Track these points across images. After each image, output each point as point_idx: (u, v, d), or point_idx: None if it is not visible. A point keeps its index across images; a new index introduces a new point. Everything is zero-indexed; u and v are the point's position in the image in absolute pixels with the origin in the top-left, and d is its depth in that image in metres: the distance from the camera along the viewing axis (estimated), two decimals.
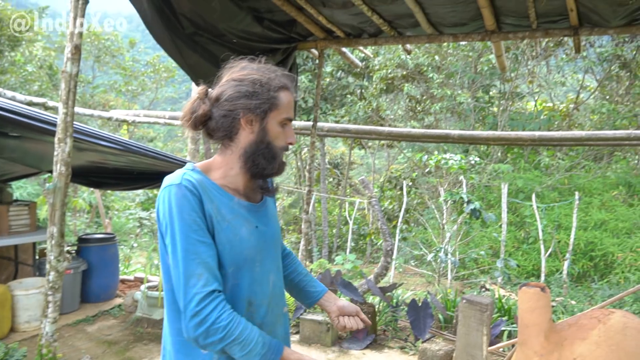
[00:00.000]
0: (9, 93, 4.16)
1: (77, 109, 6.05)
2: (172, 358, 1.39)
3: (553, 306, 5.75)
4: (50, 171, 5.23)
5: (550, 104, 11.75)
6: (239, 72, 1.38)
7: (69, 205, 9.76)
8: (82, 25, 2.59)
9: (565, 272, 7.10)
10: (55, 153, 2.62)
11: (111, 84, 15.00)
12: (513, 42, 9.65)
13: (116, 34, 15.22)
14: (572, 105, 11.44)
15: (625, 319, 2.41)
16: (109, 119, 6.47)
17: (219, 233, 1.32)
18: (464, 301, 3.09)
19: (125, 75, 14.69)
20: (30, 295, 4.39)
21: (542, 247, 7.42)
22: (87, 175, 5.58)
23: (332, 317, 1.64)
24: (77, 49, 2.58)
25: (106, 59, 14.37)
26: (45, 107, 4.73)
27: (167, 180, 1.33)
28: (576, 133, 5.30)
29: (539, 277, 7.52)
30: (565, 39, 8.96)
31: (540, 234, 7.48)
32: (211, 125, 1.38)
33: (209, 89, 1.41)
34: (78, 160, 4.78)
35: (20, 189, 9.88)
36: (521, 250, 8.37)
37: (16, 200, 5.19)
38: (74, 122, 3.41)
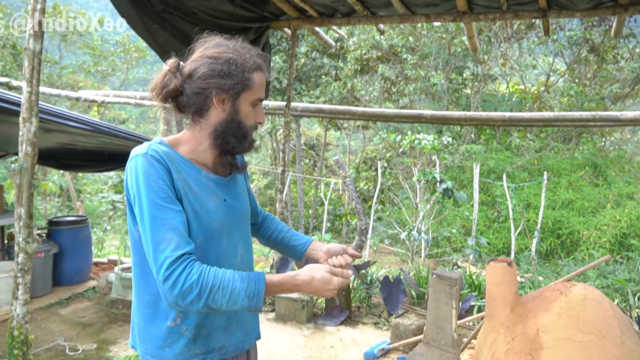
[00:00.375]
0: None
1: (44, 89, 5.90)
2: (140, 329, 1.41)
3: (522, 282, 5.94)
4: (17, 153, 5.12)
5: (522, 87, 11.95)
6: (213, 49, 1.36)
7: (39, 189, 9.55)
8: (43, 0, 2.51)
9: (533, 249, 7.32)
10: (21, 133, 2.56)
11: (80, 64, 14.57)
12: (486, 24, 9.74)
13: (83, 12, 14.75)
14: (542, 88, 11.66)
15: (585, 291, 2.52)
16: (77, 99, 6.31)
17: (186, 204, 1.32)
18: (434, 276, 3.18)
19: (94, 56, 14.28)
20: (0, 279, 4.32)
21: (512, 225, 7.62)
22: (56, 157, 5.47)
23: (322, 262, 1.63)
24: (39, 25, 2.50)
25: (73, 38, 13.92)
26: (9, 87, 4.59)
27: (134, 151, 1.33)
28: (544, 114, 5.42)
29: (509, 254, 7.74)
30: (537, 22, 9.08)
31: (511, 213, 7.67)
32: (182, 100, 1.37)
33: (181, 62, 1.39)
34: (46, 142, 4.67)
35: None
36: (492, 228, 8.58)
37: None
38: (41, 103, 3.32)
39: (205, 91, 1.34)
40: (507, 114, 5.48)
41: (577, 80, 11.29)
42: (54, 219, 5.48)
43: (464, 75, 11.62)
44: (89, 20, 14.62)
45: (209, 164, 1.44)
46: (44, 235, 5.29)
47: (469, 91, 11.20)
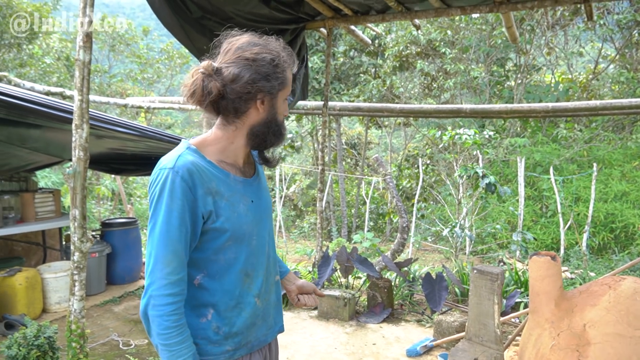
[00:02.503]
0: (28, 84, 4.30)
1: (94, 98, 6.20)
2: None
3: (572, 278, 5.74)
4: (72, 159, 5.42)
5: (569, 76, 11.51)
6: (249, 49, 1.32)
7: (93, 194, 10.03)
8: (91, 14, 2.66)
9: (584, 244, 7.06)
10: (73, 139, 2.73)
11: (127, 72, 15.17)
12: (528, 13, 9.45)
13: (130, 22, 15.34)
14: (591, 76, 11.19)
15: (635, 285, 2.44)
16: (125, 106, 6.60)
17: (219, 211, 1.34)
18: (475, 271, 3.14)
19: (140, 64, 14.84)
20: (59, 278, 4.59)
21: (560, 220, 7.37)
22: (107, 162, 5.74)
23: (292, 295, 1.70)
24: (88, 37, 2.66)
25: (121, 48, 14.50)
26: (63, 97, 4.86)
27: (163, 161, 1.32)
28: (590, 103, 5.21)
29: (558, 250, 7.49)
30: (582, 7, 8.73)
31: (559, 207, 7.42)
32: (222, 104, 1.34)
33: (213, 64, 1.34)
34: (98, 148, 4.92)
35: (45, 178, 10.17)
36: (539, 224, 8.33)
37: (41, 189, 5.37)
38: (92, 110, 3.51)
39: (251, 95, 1.32)
40: (551, 105, 5.30)
41: (628, 66, 10.76)
42: (107, 221, 5.76)
43: (506, 67, 11.30)
44: (134, 30, 15.21)
45: (239, 164, 1.45)
46: (98, 236, 5.56)
47: (512, 83, 10.89)
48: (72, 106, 3.24)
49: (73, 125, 2.73)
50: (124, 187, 12.06)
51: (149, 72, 14.75)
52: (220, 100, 1.33)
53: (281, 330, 1.63)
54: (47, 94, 4.53)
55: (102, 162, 5.74)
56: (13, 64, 11.33)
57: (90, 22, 2.69)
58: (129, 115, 13.73)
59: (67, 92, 4.89)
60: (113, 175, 9.55)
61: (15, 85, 3.97)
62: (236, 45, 1.34)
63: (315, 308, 4.76)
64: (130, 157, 5.49)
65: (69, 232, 5.55)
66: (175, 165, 1.29)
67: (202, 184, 1.31)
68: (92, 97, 5.87)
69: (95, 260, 5.04)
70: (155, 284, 1.27)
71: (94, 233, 5.60)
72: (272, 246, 1.56)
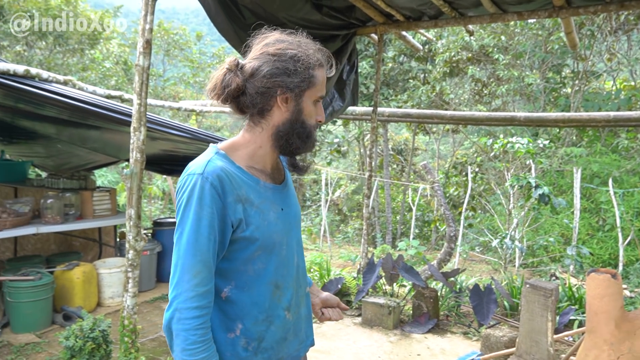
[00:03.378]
0: (90, 87, 4.51)
1: (150, 101, 6.43)
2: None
3: (631, 297, 5.44)
4: (128, 159, 5.64)
5: (632, 83, 10.93)
6: (274, 45, 1.29)
7: (145, 193, 10.41)
8: (152, 22, 2.77)
9: None
10: (131, 141, 2.83)
11: (180, 76, 15.69)
12: (589, 17, 9.06)
13: (184, 28, 15.87)
14: None
15: None
16: (178, 109, 6.82)
17: (249, 219, 1.29)
18: (528, 286, 3.03)
19: (193, 68, 15.31)
20: (113, 274, 4.78)
21: (619, 235, 7.00)
22: (160, 163, 5.93)
23: (316, 309, 1.63)
24: (148, 44, 2.76)
25: (175, 53, 15.04)
26: (122, 100, 5.08)
27: (192, 166, 1.28)
28: None
29: (616, 266, 7.11)
30: None
31: (618, 221, 7.05)
32: (243, 100, 1.30)
33: (240, 61, 1.31)
34: (152, 149, 5.10)
35: (102, 177, 10.66)
36: (596, 238, 7.94)
37: (99, 187, 5.62)
38: (148, 113, 3.64)
39: (270, 90, 1.27)
40: (612, 114, 5.04)
41: None
42: (158, 220, 5.95)
43: (563, 73, 10.87)
44: (188, 35, 15.72)
45: (268, 170, 1.39)
46: (149, 235, 5.75)
47: (568, 90, 10.46)
48: (130, 109, 3.38)
49: (131, 128, 2.84)
50: (174, 187, 12.44)
51: (201, 76, 15.19)
52: (241, 96, 1.30)
53: (312, 344, 1.57)
54: (108, 97, 4.74)
55: (155, 163, 5.93)
56: (76, 68, 11.95)
57: (151, 29, 2.79)
58: (181, 118, 14.16)
59: (125, 96, 5.11)
60: (164, 176, 9.88)
61: (79, 88, 4.18)
62: (264, 42, 1.32)
63: (360, 315, 4.73)
64: (181, 158, 5.65)
65: (123, 230, 5.78)
66: (205, 171, 1.24)
67: (231, 190, 1.26)
68: (148, 100, 6.09)
69: (146, 258, 5.21)
70: (182, 296, 1.21)
71: (146, 232, 5.80)
72: (301, 256, 1.49)
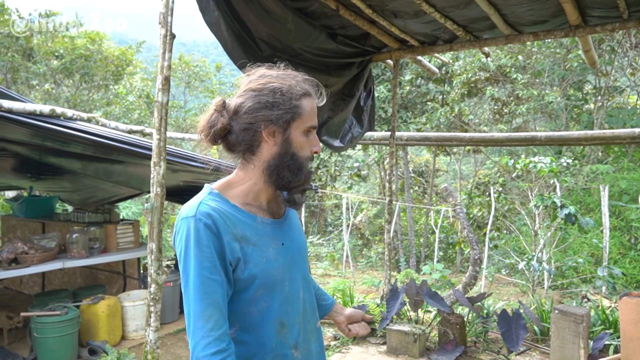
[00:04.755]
0: (113, 123, 4.64)
1: (170, 134, 6.56)
2: None
3: None
4: (150, 192, 5.74)
5: None
6: (257, 80, 1.30)
7: (168, 223, 10.53)
8: (170, 59, 2.84)
9: None
10: (152, 175, 2.88)
11: (201, 107, 16.01)
12: (607, 34, 8.97)
13: (204, 60, 16.27)
14: None
15: None
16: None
17: (246, 258, 1.27)
18: (557, 312, 2.93)
19: (213, 98, 15.62)
20: (137, 306, 4.81)
21: None
22: (181, 194, 6.02)
23: (342, 327, 1.62)
24: (166, 80, 2.83)
25: (195, 84, 15.38)
26: (143, 134, 5.20)
27: (184, 210, 1.27)
28: None
29: None
30: None
31: None
32: (231, 139, 1.31)
33: (226, 101, 1.33)
34: (173, 181, 5.18)
35: (126, 209, 10.82)
36: (628, 257, 7.68)
37: (122, 220, 5.71)
38: (168, 146, 3.71)
39: (253, 125, 1.27)
40: (637, 130, 4.92)
41: None
42: None
43: (584, 90, 10.72)
44: (208, 67, 16.09)
45: (264, 206, 1.38)
46: (172, 266, 5.79)
47: (591, 106, 10.30)
48: (151, 142, 3.45)
49: (152, 162, 2.89)
50: None
51: None
52: (228, 135, 1.30)
53: None
54: (129, 132, 4.87)
55: (177, 194, 6.02)
56: (100, 103, 12.32)
57: (169, 66, 2.87)
58: (203, 148, 14.37)
59: (147, 130, 5.23)
60: None
61: (102, 125, 4.30)
62: (248, 79, 1.33)
63: (384, 343, 4.63)
64: (201, 189, 5.73)
65: (146, 262, 5.83)
66: (197, 212, 1.23)
67: (226, 230, 1.24)
68: (169, 133, 6.22)
69: (169, 289, 5.24)
70: (200, 344, 1.17)
71: (169, 262, 5.84)
72: (308, 291, 1.46)
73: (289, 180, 1.32)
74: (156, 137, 2.89)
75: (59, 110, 3.61)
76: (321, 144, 4.11)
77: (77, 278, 5.46)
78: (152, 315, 2.91)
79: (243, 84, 1.33)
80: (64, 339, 4.07)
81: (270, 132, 1.29)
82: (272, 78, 1.30)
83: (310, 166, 1.38)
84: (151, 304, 2.90)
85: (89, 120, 4.03)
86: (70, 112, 3.74)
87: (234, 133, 1.29)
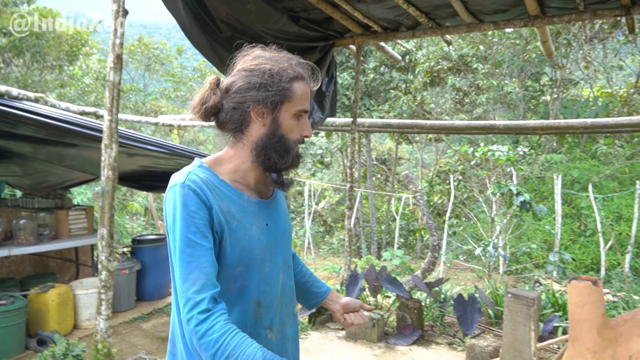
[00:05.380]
0: (64, 104, 4.42)
1: (127, 117, 6.35)
2: (184, 357, 1.30)
3: (614, 302, 5.46)
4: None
5: (609, 90, 11.14)
6: (250, 61, 1.32)
7: (127, 209, 10.24)
8: (122, 36, 2.71)
9: (627, 265, 6.73)
10: (103, 158, 2.76)
11: (161, 90, 15.56)
12: (564, 26, 9.22)
13: (164, 42, 15.78)
14: (632, 90, 10.78)
15: None
16: (156, 124, 6.73)
17: (229, 232, 1.27)
18: (509, 295, 3.00)
19: (174, 82, 15.21)
20: (90, 294, 4.65)
21: (601, 239, 7.06)
22: (139, 179, 5.84)
23: (337, 315, 1.61)
24: (118, 59, 2.70)
25: (156, 67, 14.91)
26: (97, 116, 4.99)
27: (174, 179, 1.28)
28: (633, 118, 4.98)
29: (598, 271, 7.16)
30: (622, 19, 8.46)
31: (599, 226, 7.12)
32: (221, 117, 1.32)
33: (221, 79, 1.35)
34: (130, 166, 5.01)
35: (82, 195, 10.44)
36: (578, 243, 8.00)
37: (75, 206, 5.49)
38: (123, 129, 3.58)
39: (243, 105, 1.29)
40: (590, 121, 5.10)
41: None
42: (137, 238, 5.83)
43: (542, 81, 11.03)
44: (169, 50, 15.63)
45: (252, 185, 1.38)
46: (128, 253, 5.63)
47: (547, 98, 10.61)
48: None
49: (102, 145, 2.77)
50: (157, 202, 12.27)
51: (182, 90, 15.09)
52: (219, 112, 1.33)
53: None
54: (82, 113, 4.66)
55: (134, 179, 5.84)
56: (54, 85, 11.78)
57: (121, 44, 2.74)
58: (162, 133, 14.03)
59: (100, 112, 5.02)
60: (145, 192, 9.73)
61: (51, 105, 4.09)
62: (243, 59, 1.35)
63: (343, 329, 4.66)
64: (161, 174, 5.57)
65: None
66: (187, 179, 1.25)
67: (214, 200, 1.25)
68: (125, 116, 6.01)
69: (125, 276, 5.09)
70: (187, 306, 1.16)
71: (125, 250, 5.68)
72: (288, 274, 1.46)
73: (276, 162, 1.33)
74: (107, 118, 2.77)
75: (2, 88, 3.40)
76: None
77: (26, 266, 5.23)
78: (104, 303, 2.81)
79: (238, 64, 1.35)
80: (10, 330, 3.88)
81: (258, 112, 1.30)
82: (265, 59, 1.31)
83: (299, 149, 1.38)
84: (102, 291, 2.80)
85: (36, 100, 3.83)
86: (15, 91, 3.53)
87: (224, 111, 1.32)
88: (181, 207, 1.21)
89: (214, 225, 1.25)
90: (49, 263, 5.40)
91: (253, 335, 1.31)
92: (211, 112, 1.32)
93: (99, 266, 2.81)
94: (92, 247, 5.54)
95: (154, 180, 5.91)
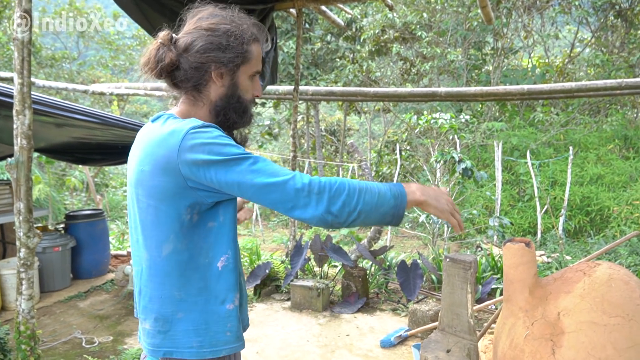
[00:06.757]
0: None
1: (54, 84, 5.91)
2: (188, 323, 1.26)
3: (548, 263, 5.72)
4: (38, 149, 5.14)
5: (546, 59, 11.50)
6: (208, 20, 1.28)
7: (66, 185, 9.71)
8: None
9: (560, 228, 7.07)
10: (15, 126, 2.52)
11: (97, 59, 14.70)
12: None
13: (99, 7, 14.82)
14: (567, 59, 11.19)
15: (610, 271, 2.35)
16: (85, 91, 6.30)
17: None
18: (447, 260, 3.03)
19: (111, 50, 14.38)
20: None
21: (537, 204, 7.36)
22: (72, 152, 5.49)
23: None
24: (26, 13, 2.44)
25: (91, 34, 14.02)
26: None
27: (187, 125, 1.18)
28: (566, 85, 5.13)
29: (535, 234, 7.50)
30: None
31: (536, 191, 7.41)
32: (178, 75, 1.28)
33: (173, 35, 1.29)
34: (61, 137, 4.69)
35: None
36: (517, 208, 8.33)
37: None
38: (46, 96, 3.29)
39: (204, 65, 1.26)
40: (526, 87, 5.21)
41: (603, 49, 10.78)
42: (71, 213, 5.52)
43: (484, 50, 11.23)
44: (104, 15, 14.72)
45: None
46: (62, 229, 5.33)
47: (489, 67, 10.83)
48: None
49: (14, 111, 2.52)
50: (100, 177, 11.73)
51: (121, 59, 14.31)
52: (175, 70, 1.28)
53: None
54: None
55: (67, 152, 5.49)
56: None
57: None
58: (102, 104, 13.32)
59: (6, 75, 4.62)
60: (81, 165, 9.24)
61: None
62: (197, 17, 1.30)
63: (289, 299, 4.63)
64: (95, 146, 5.26)
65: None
66: (199, 122, 1.21)
67: None
68: (51, 83, 5.58)
69: (58, 254, 4.82)
70: (297, 177, 1.15)
71: (57, 226, 5.37)
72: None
73: (235, 122, 1.34)
74: (18, 82, 2.51)
75: None
76: None
77: None
78: (24, 282, 2.61)
79: (191, 21, 1.29)
80: None
81: (219, 73, 1.28)
82: (224, 19, 1.28)
83: (252, 108, 1.40)
84: (22, 269, 2.60)
85: None
86: None
87: (182, 70, 1.27)
88: (224, 137, 1.18)
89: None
90: None
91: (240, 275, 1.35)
92: (167, 70, 1.27)
93: (17, 243, 2.59)
94: None
95: (88, 153, 5.58)
